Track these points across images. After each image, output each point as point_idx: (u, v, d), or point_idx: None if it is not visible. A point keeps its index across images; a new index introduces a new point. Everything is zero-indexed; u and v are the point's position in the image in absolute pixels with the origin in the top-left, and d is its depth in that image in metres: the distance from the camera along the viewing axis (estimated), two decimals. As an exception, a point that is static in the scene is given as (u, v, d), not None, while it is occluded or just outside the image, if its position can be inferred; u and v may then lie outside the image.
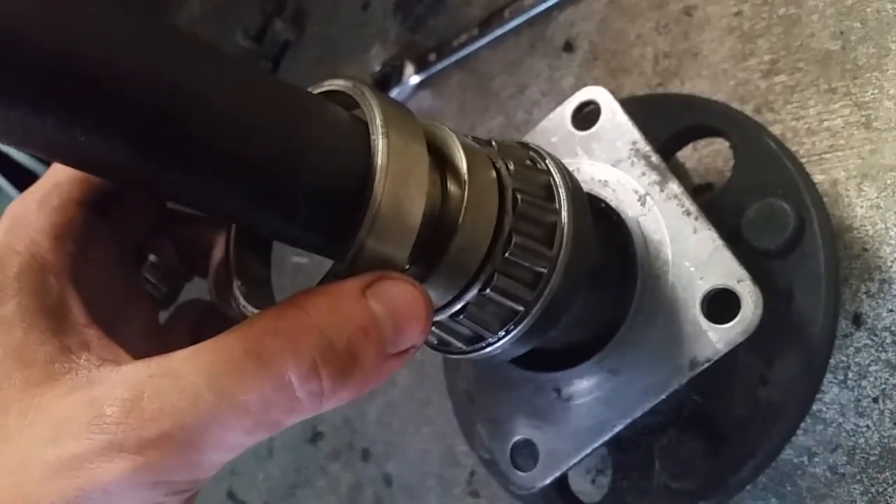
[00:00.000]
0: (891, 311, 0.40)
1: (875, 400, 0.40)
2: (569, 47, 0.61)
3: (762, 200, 0.38)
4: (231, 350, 0.22)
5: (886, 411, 0.39)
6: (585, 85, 0.41)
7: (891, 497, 0.38)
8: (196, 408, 0.21)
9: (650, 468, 0.39)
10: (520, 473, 0.39)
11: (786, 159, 0.39)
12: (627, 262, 0.38)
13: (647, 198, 0.38)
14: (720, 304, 0.35)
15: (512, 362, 0.39)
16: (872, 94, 0.43)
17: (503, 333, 0.32)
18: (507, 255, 0.30)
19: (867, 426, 0.40)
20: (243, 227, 0.29)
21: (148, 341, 0.29)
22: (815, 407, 0.41)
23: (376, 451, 0.64)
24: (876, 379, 0.40)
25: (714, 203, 0.39)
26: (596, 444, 0.37)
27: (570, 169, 0.35)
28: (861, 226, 0.42)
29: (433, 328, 0.32)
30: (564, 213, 0.32)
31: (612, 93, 0.40)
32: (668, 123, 0.42)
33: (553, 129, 0.42)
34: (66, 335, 0.23)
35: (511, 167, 0.31)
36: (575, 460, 0.37)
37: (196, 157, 0.22)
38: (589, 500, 0.43)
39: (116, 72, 0.20)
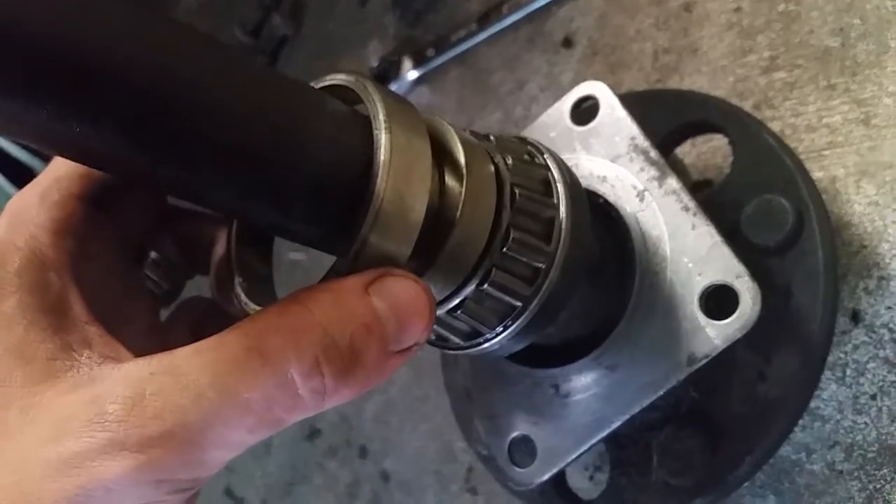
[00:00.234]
0: (889, 308, 0.40)
1: (873, 397, 0.40)
2: (568, 43, 0.61)
3: (761, 197, 0.38)
4: (234, 347, 0.22)
5: (884, 408, 0.39)
6: (584, 80, 0.41)
7: (888, 493, 0.38)
8: (199, 406, 0.21)
9: (648, 464, 0.39)
10: (518, 469, 0.39)
11: (784, 156, 0.39)
12: (626, 257, 0.38)
13: (646, 193, 0.38)
14: (718, 301, 0.35)
15: (510, 358, 0.39)
16: (872, 90, 0.43)
17: (501, 329, 0.32)
18: (505, 250, 0.29)
19: (865, 423, 0.40)
20: (244, 221, 0.28)
21: (149, 338, 0.29)
22: (813, 404, 0.41)
23: (374, 448, 0.64)
24: (874, 376, 0.40)
25: (713, 199, 0.39)
26: (594, 441, 0.37)
27: (569, 164, 0.35)
28: (859, 223, 0.42)
29: (431, 324, 0.32)
30: (563, 209, 0.32)
31: (611, 88, 0.40)
32: (666, 119, 0.42)
33: (552, 124, 0.41)
34: (66, 332, 0.23)
35: (509, 162, 0.31)
36: (573, 456, 0.37)
37: (193, 148, 0.22)
38: (587, 496, 0.43)
39: (113, 62, 0.20)
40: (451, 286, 0.29)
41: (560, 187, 0.32)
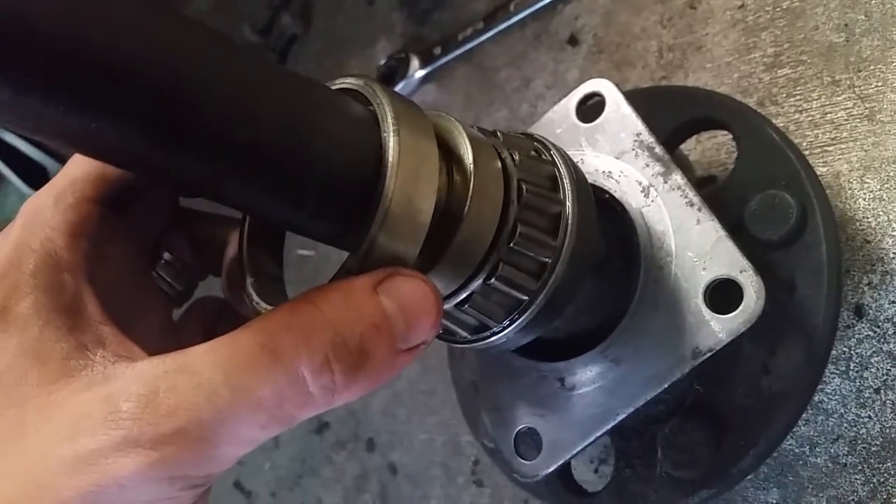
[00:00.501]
0: (893, 302, 0.40)
1: (877, 391, 0.40)
2: (573, 41, 0.61)
3: (765, 192, 0.38)
4: (246, 346, 0.22)
5: (888, 402, 0.40)
6: (590, 78, 0.41)
7: (892, 487, 0.39)
8: (212, 403, 0.21)
9: (653, 457, 0.39)
10: (523, 462, 0.39)
11: (789, 151, 0.39)
12: (631, 252, 0.38)
13: (651, 189, 0.38)
14: (723, 295, 0.35)
15: (516, 352, 0.40)
16: (876, 86, 0.43)
17: (508, 323, 0.32)
18: (511, 244, 0.30)
19: (869, 417, 0.40)
20: (256, 218, 0.29)
21: (162, 338, 0.30)
22: (816, 398, 0.41)
23: (381, 440, 0.64)
24: (878, 370, 0.40)
25: (717, 195, 0.39)
26: (599, 433, 0.37)
27: (575, 160, 0.35)
28: (863, 218, 0.42)
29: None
30: (569, 204, 0.32)
31: (617, 86, 0.40)
32: (671, 115, 0.42)
33: (558, 121, 0.42)
34: (81, 332, 0.24)
35: (516, 158, 0.31)
36: (578, 449, 0.37)
37: (206, 145, 0.23)
38: (592, 489, 0.44)
39: (127, 60, 0.20)
40: (459, 280, 0.30)
41: (566, 183, 0.33)
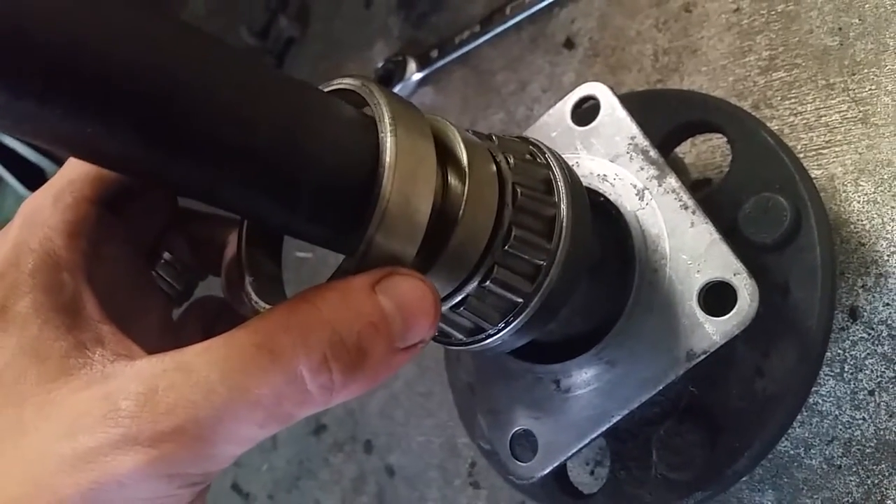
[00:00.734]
0: (887, 304, 0.41)
1: (871, 393, 0.40)
2: (569, 44, 0.61)
3: (759, 195, 0.38)
4: (244, 344, 0.22)
5: (882, 404, 0.40)
6: (586, 81, 0.41)
7: (886, 489, 0.39)
8: (210, 401, 0.21)
9: (648, 459, 0.39)
10: (519, 464, 0.39)
11: (783, 154, 0.39)
12: (626, 255, 0.38)
13: (646, 192, 0.39)
14: (717, 297, 0.35)
15: (511, 354, 0.40)
16: (870, 89, 0.44)
17: (503, 325, 0.32)
18: (506, 247, 0.30)
19: (863, 418, 0.40)
20: (253, 221, 0.29)
21: (161, 337, 0.30)
22: (811, 399, 0.42)
23: (379, 442, 0.65)
24: (872, 372, 0.40)
25: (711, 198, 0.40)
26: (594, 435, 0.37)
27: (570, 163, 0.35)
28: (858, 220, 0.42)
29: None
30: (563, 207, 0.32)
31: (612, 89, 0.40)
32: (666, 119, 0.43)
33: (553, 125, 0.42)
34: (80, 331, 0.24)
35: (511, 161, 0.32)
36: (573, 451, 0.38)
37: (200, 149, 0.23)
38: (588, 490, 0.44)
39: (122, 65, 0.20)
40: (454, 283, 0.30)
41: (561, 186, 0.33)
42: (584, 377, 0.38)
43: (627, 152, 0.39)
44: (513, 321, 0.32)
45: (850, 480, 0.40)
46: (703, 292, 0.36)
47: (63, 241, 0.25)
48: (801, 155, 0.44)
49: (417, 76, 0.72)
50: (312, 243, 0.28)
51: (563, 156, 0.35)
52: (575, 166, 0.39)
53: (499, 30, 0.66)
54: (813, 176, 0.40)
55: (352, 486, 0.65)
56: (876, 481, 0.39)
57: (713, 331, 0.35)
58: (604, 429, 0.37)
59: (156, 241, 0.31)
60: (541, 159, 0.34)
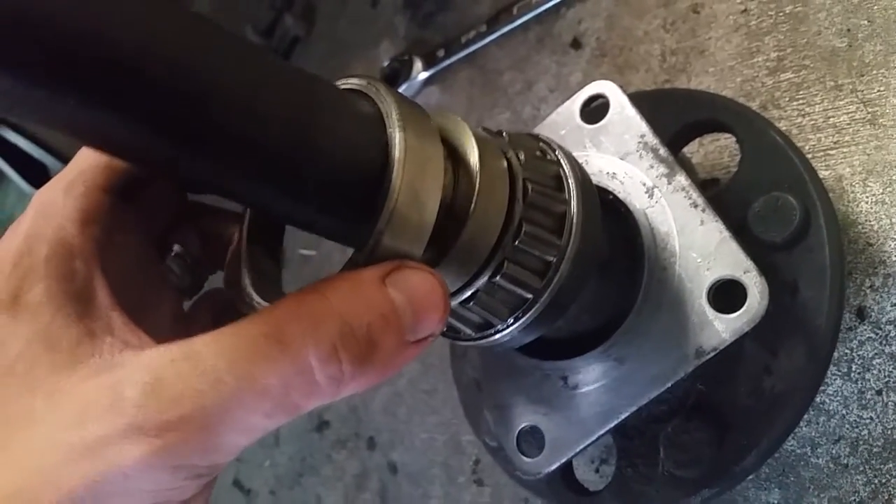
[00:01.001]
0: (895, 305, 0.41)
1: (878, 392, 0.40)
2: (576, 44, 0.61)
3: (768, 194, 0.38)
4: (252, 334, 0.22)
5: (890, 403, 0.40)
6: (593, 81, 0.41)
7: (894, 488, 0.39)
8: (216, 391, 0.21)
9: (655, 456, 0.39)
10: (526, 459, 0.39)
11: (792, 153, 0.39)
12: (635, 253, 0.38)
13: (655, 190, 0.39)
14: (726, 295, 0.35)
15: (519, 350, 0.40)
16: (879, 90, 0.44)
17: (512, 321, 0.32)
18: (517, 243, 0.30)
19: (870, 418, 0.40)
20: (260, 211, 0.29)
21: (172, 328, 0.29)
22: (818, 399, 0.42)
23: (382, 439, 0.64)
24: (879, 372, 0.40)
25: (720, 197, 0.40)
26: (601, 432, 0.37)
27: (579, 161, 0.35)
28: (866, 221, 0.42)
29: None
30: (574, 203, 0.32)
31: (621, 87, 0.40)
32: (674, 118, 0.43)
33: (562, 123, 0.42)
34: (91, 319, 0.23)
35: (521, 157, 0.32)
36: (580, 447, 0.38)
37: (212, 139, 0.23)
38: (593, 488, 0.44)
39: (135, 55, 0.20)
40: (464, 278, 0.30)
41: (571, 182, 0.33)
42: (592, 374, 0.38)
43: (637, 150, 0.39)
44: (522, 317, 0.32)
45: (857, 479, 0.40)
46: (713, 290, 0.36)
47: (76, 228, 0.25)
48: (810, 156, 0.44)
49: (423, 75, 0.72)
50: (321, 235, 0.28)
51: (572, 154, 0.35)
52: (584, 164, 0.39)
53: (505, 30, 0.66)
54: (821, 177, 0.40)
55: (354, 482, 0.65)
56: (883, 480, 0.39)
57: (723, 328, 0.35)
58: (611, 425, 0.37)
59: (167, 233, 0.31)
60: (551, 156, 0.34)
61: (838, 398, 0.41)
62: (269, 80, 0.24)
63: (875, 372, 0.40)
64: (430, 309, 0.25)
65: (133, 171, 0.27)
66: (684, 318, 0.36)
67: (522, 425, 0.40)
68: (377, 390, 0.66)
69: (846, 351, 0.41)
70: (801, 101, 0.47)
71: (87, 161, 0.27)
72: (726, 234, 0.36)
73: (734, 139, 0.42)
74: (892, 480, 0.39)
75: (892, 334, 0.40)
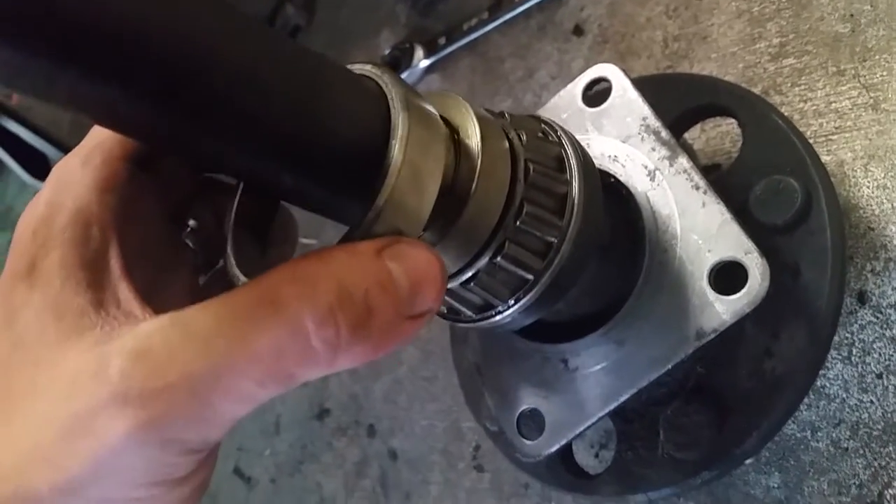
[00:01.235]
0: (895, 289, 0.41)
1: (879, 376, 0.40)
2: (578, 31, 0.61)
3: (770, 177, 0.38)
4: (245, 297, 0.21)
5: (890, 387, 0.40)
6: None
7: (893, 471, 0.39)
8: (205, 354, 0.20)
9: (655, 439, 0.39)
10: (526, 442, 0.39)
11: (794, 137, 0.39)
12: (636, 235, 0.38)
13: (657, 173, 0.39)
14: (727, 277, 0.35)
15: (519, 333, 0.40)
16: (881, 76, 0.44)
17: (513, 302, 0.32)
18: (518, 223, 0.30)
19: (871, 401, 0.40)
20: (260, 185, 0.29)
21: (185, 304, 0.29)
22: (818, 382, 0.42)
23: (382, 427, 0.65)
24: (880, 355, 0.40)
25: (722, 181, 0.40)
26: (601, 414, 0.37)
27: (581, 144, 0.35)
28: (867, 205, 0.42)
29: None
30: (575, 184, 0.32)
31: (623, 71, 0.40)
32: (676, 102, 0.43)
33: (564, 106, 0.42)
34: (101, 288, 0.23)
35: (523, 138, 0.32)
36: (581, 428, 0.38)
37: (215, 112, 0.23)
38: (593, 472, 0.44)
39: (139, 28, 0.20)
40: (465, 258, 0.30)
41: (573, 163, 0.33)
42: (592, 357, 0.38)
43: (639, 133, 0.39)
44: (522, 298, 0.32)
45: (857, 463, 0.40)
46: (714, 272, 0.36)
47: (94, 196, 0.24)
48: (812, 140, 0.44)
49: (425, 63, 0.72)
50: (319, 213, 0.28)
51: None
52: (586, 147, 0.39)
53: (507, 17, 0.66)
54: (823, 161, 0.40)
55: (354, 469, 0.65)
56: (883, 464, 0.39)
57: (723, 310, 0.35)
58: (611, 407, 0.37)
59: (183, 208, 0.30)
60: (553, 137, 0.34)
61: (839, 382, 0.41)
62: (273, 52, 0.24)
63: (875, 355, 0.41)
64: (427, 282, 0.24)
65: None
66: (685, 300, 0.36)
67: (523, 408, 0.40)
68: (377, 378, 0.66)
69: (847, 335, 0.41)
70: (803, 87, 0.47)
71: (104, 132, 0.26)
72: (728, 215, 0.36)
73: (736, 125, 0.42)
74: (892, 463, 0.39)
75: (892, 318, 0.40)
